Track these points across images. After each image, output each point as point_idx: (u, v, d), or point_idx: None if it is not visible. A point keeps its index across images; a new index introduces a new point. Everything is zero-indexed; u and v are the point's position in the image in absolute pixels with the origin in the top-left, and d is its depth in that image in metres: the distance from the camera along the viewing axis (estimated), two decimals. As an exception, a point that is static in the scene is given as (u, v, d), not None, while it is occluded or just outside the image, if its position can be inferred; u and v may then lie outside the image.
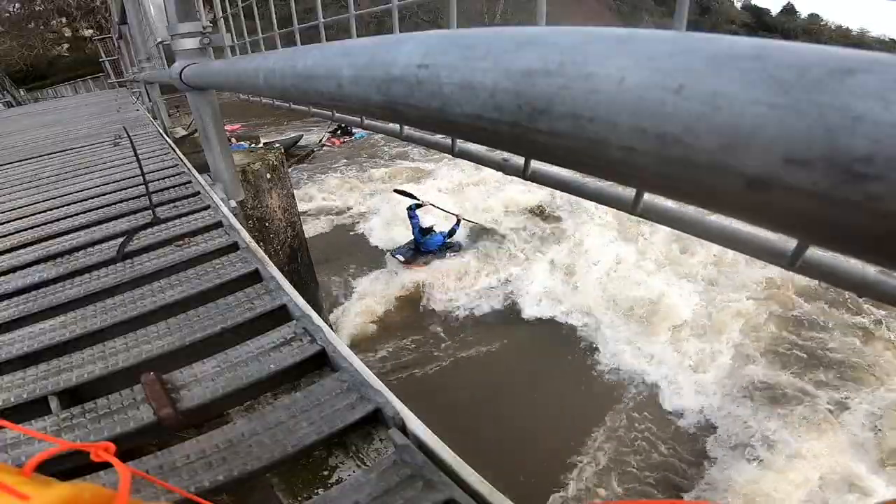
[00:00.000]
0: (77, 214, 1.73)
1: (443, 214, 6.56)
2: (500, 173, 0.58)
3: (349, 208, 8.77)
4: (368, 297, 5.69)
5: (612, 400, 4.42)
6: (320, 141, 12.85)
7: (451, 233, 6.42)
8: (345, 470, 0.68)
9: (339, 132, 12.93)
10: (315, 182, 9.89)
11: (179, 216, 1.55)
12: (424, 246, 6.26)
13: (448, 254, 6.41)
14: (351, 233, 7.84)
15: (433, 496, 0.56)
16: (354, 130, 12.67)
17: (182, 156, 2.45)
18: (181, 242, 1.36)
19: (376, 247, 7.19)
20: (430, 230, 6.22)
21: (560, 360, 4.97)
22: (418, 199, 6.44)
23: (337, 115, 0.92)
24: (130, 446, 0.73)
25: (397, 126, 0.73)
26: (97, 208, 1.76)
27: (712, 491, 3.59)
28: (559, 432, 4.04)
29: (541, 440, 3.94)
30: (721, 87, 0.22)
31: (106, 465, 0.57)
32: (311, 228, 7.48)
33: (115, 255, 1.33)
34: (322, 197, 9.17)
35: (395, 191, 6.92)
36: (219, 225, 1.45)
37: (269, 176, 3.36)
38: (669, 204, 0.40)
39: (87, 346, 0.95)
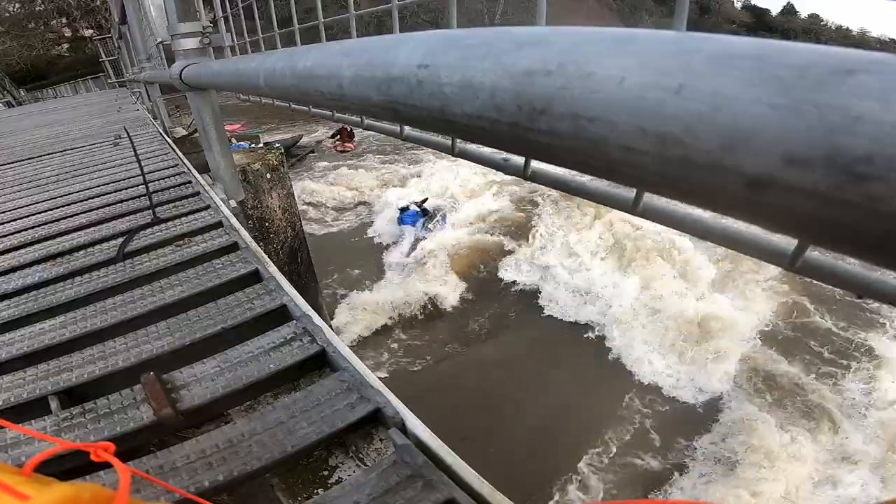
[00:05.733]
0: (77, 214, 1.73)
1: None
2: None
3: (349, 207, 8.77)
4: (369, 296, 5.69)
5: (615, 397, 4.42)
6: (332, 145, 12.67)
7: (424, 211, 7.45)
8: (345, 470, 0.68)
9: (339, 136, 12.74)
10: (315, 181, 9.88)
11: (179, 216, 1.55)
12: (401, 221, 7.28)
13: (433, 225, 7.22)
14: (352, 231, 7.84)
15: (433, 496, 0.56)
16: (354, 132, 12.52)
17: (182, 156, 2.45)
18: (181, 242, 1.36)
19: (378, 244, 7.20)
20: (405, 209, 7.39)
21: (561, 357, 4.97)
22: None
23: (337, 115, 0.92)
24: (130, 446, 0.73)
25: (397, 126, 0.73)
26: (97, 208, 1.76)
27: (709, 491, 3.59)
28: (560, 430, 4.04)
29: (542, 439, 3.94)
30: (721, 87, 0.22)
31: (106, 465, 0.57)
32: (311, 228, 7.49)
33: (115, 255, 1.33)
34: (323, 196, 9.16)
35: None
36: (219, 225, 1.45)
37: (269, 176, 3.35)
38: (669, 204, 0.40)
39: (87, 346, 0.95)
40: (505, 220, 7.53)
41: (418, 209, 7.42)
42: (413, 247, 6.88)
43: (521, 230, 7.23)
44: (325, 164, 11.32)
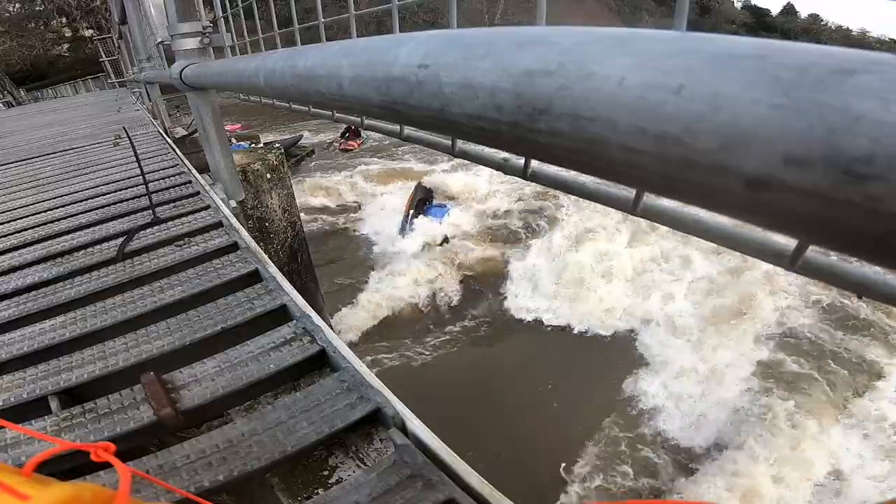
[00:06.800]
0: (77, 214, 1.73)
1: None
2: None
3: (349, 207, 8.78)
4: (369, 296, 5.69)
5: (614, 396, 4.42)
6: (330, 143, 12.77)
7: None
8: (345, 470, 0.68)
9: (347, 135, 12.78)
10: (315, 181, 9.88)
11: (179, 216, 1.55)
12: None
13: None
14: (351, 231, 7.84)
15: (433, 496, 0.56)
16: (362, 132, 12.56)
17: (182, 156, 2.45)
18: (181, 242, 1.36)
19: (377, 243, 7.20)
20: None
21: (560, 356, 4.97)
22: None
23: (337, 115, 0.92)
24: (130, 446, 0.73)
25: (397, 126, 0.73)
26: (97, 208, 1.76)
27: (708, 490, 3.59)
28: (560, 429, 4.04)
29: (541, 439, 3.94)
30: (721, 87, 0.22)
31: (106, 465, 0.57)
32: (311, 228, 7.50)
33: (115, 255, 1.33)
34: (322, 195, 9.16)
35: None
36: (219, 225, 1.45)
37: (269, 176, 3.35)
38: (669, 204, 0.40)
39: (87, 346, 0.95)
40: (509, 216, 7.54)
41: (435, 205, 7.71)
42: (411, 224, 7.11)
43: (525, 227, 7.23)
44: (326, 163, 11.34)
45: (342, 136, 12.89)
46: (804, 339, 4.99)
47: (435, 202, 8.05)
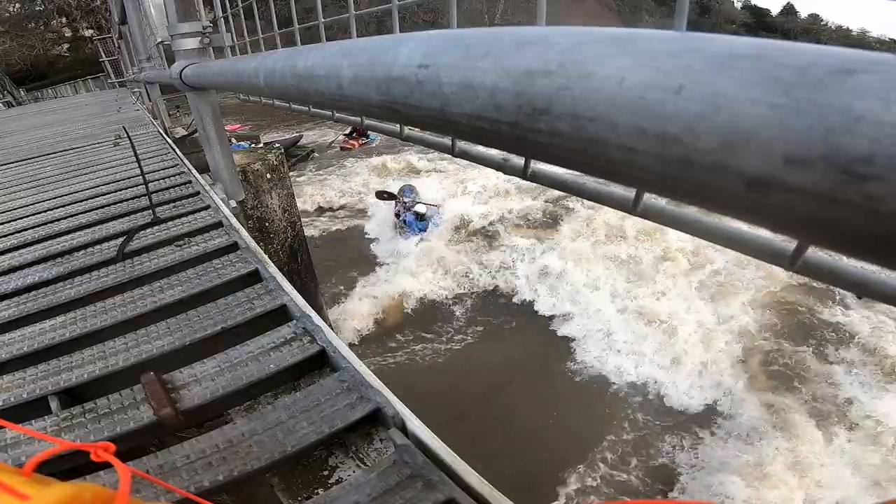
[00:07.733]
0: (77, 214, 1.73)
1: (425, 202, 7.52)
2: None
3: (349, 206, 8.78)
4: (368, 296, 5.69)
5: (613, 395, 4.43)
6: (330, 143, 12.86)
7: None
8: (345, 470, 0.68)
9: (354, 134, 12.84)
10: (315, 181, 9.89)
11: (179, 216, 1.55)
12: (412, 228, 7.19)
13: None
14: (351, 231, 7.84)
15: (433, 496, 0.56)
16: (370, 133, 12.58)
17: (182, 156, 2.45)
18: (181, 242, 1.36)
19: (375, 243, 7.21)
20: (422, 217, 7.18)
21: (559, 355, 4.98)
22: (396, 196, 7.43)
23: (337, 115, 0.92)
24: (130, 446, 0.73)
25: (397, 126, 0.73)
26: (97, 208, 1.76)
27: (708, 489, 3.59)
28: (560, 429, 4.04)
29: (541, 438, 3.94)
30: (721, 87, 0.22)
31: (106, 465, 0.57)
32: (311, 228, 7.50)
33: (115, 255, 1.33)
34: (322, 195, 9.17)
35: (378, 194, 7.69)
36: (219, 225, 1.45)
37: (269, 176, 3.35)
38: (669, 204, 0.40)
39: (87, 346, 0.95)
40: (503, 217, 7.53)
41: (415, 215, 7.21)
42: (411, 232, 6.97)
43: (520, 228, 7.23)
44: (326, 163, 11.35)
45: (348, 135, 12.96)
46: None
47: (413, 203, 7.32)
